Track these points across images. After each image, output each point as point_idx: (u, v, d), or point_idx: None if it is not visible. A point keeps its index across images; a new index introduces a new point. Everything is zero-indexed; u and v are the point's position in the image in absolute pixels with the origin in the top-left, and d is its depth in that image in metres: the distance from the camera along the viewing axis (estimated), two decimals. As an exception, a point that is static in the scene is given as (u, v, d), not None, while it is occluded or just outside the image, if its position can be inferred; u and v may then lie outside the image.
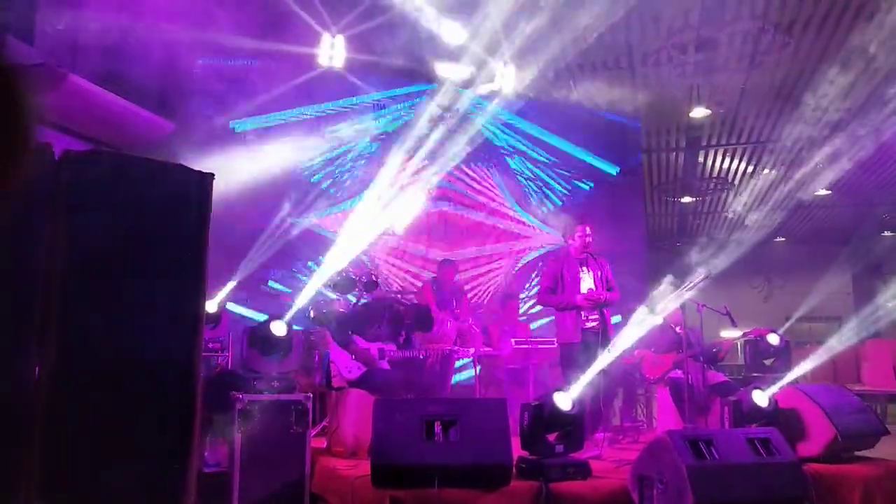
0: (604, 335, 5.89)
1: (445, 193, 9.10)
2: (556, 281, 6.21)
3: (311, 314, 6.50)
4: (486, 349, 6.94)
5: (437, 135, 8.31)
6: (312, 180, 8.31)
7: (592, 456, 4.90)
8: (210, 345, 6.08)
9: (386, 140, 8.65)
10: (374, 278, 6.33)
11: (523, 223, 9.51)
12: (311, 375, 6.54)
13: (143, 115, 6.80)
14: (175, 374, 3.01)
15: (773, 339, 6.76)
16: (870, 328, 11.73)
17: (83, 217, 2.92)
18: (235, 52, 7.75)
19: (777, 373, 6.35)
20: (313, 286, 6.36)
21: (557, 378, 6.17)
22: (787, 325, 9.99)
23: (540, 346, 6.76)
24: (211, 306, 5.85)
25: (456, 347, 6.69)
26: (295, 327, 5.28)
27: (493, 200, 9.42)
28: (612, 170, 10.11)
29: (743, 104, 10.43)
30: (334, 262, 6.54)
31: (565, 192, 9.81)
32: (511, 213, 9.48)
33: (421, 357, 6.24)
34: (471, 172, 9.30)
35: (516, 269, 9.29)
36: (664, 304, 6.19)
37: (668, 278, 6.29)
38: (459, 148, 8.44)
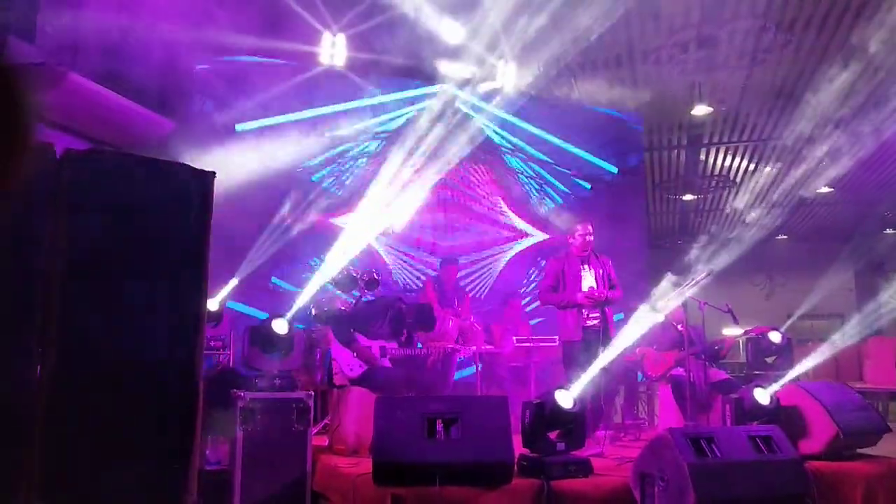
0: (605, 333, 5.90)
1: (446, 191, 9.09)
2: (558, 279, 6.24)
3: (313, 312, 6.50)
4: (488, 347, 6.94)
5: (437, 133, 8.31)
6: (313, 178, 8.31)
7: (594, 454, 4.89)
8: (211, 343, 6.08)
9: (387, 138, 8.65)
10: (376, 276, 6.33)
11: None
12: (312, 373, 6.54)
13: (143, 113, 6.80)
14: (175, 374, 3.01)
15: (775, 336, 6.75)
16: (872, 326, 11.73)
17: (84, 216, 2.93)
18: (236, 50, 7.75)
19: (779, 370, 6.35)
20: (315, 284, 6.37)
21: (559, 376, 6.17)
22: (789, 322, 10.01)
23: (541, 344, 6.76)
24: (212, 304, 5.85)
25: (457, 346, 6.69)
26: (299, 325, 5.29)
27: (490, 198, 9.42)
28: (613, 168, 10.10)
29: (744, 102, 10.42)
30: (336, 260, 6.55)
31: (566, 190, 9.80)
32: (504, 211, 9.48)
33: (422, 355, 6.24)
34: (471, 170, 9.29)
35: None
36: (666, 301, 6.20)
37: (670, 276, 6.29)
38: (460, 146, 8.44)
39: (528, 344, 6.76)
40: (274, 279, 7.89)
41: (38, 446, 2.66)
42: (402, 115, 8.77)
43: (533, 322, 8.05)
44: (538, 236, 9.54)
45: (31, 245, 2.80)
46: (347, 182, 8.51)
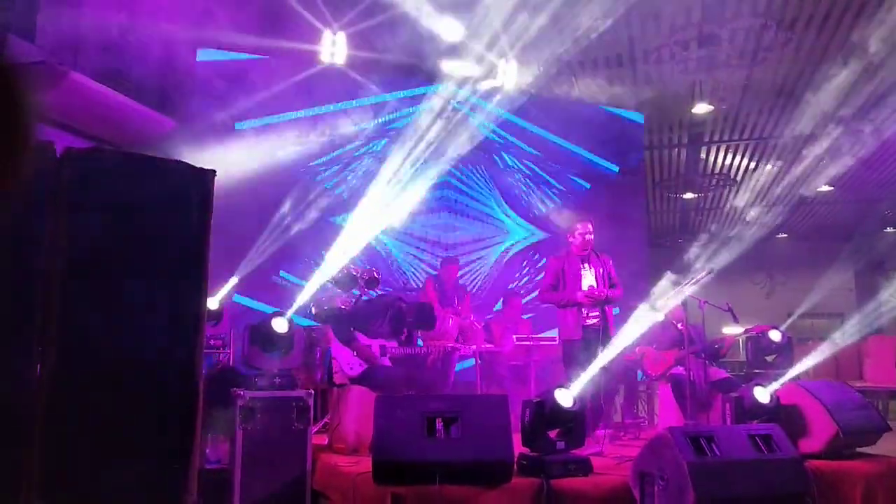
0: (605, 332, 5.90)
1: (445, 190, 9.10)
2: (558, 278, 6.24)
3: (313, 311, 6.50)
4: (488, 346, 6.94)
5: (438, 132, 8.31)
6: (315, 178, 8.30)
7: (594, 452, 4.90)
8: (211, 342, 6.08)
9: (387, 137, 8.65)
10: (376, 275, 6.33)
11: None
12: (312, 372, 6.54)
13: (144, 112, 6.80)
14: (175, 374, 3.02)
15: (775, 335, 6.75)
16: (872, 324, 11.73)
17: (84, 215, 2.93)
18: (236, 49, 7.75)
19: (779, 369, 6.35)
20: (315, 283, 6.37)
21: (559, 375, 6.18)
22: (790, 321, 10.02)
23: (541, 343, 6.76)
24: (212, 303, 5.85)
25: (457, 344, 6.69)
26: (304, 322, 5.28)
27: (487, 197, 9.43)
28: (614, 167, 10.10)
29: (745, 100, 10.42)
30: (337, 258, 6.55)
31: (566, 189, 9.80)
32: (501, 209, 9.49)
33: (422, 354, 6.24)
34: (471, 168, 9.29)
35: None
36: (666, 300, 6.20)
37: (670, 275, 6.29)
38: (460, 145, 8.44)
39: (528, 343, 6.76)
40: (282, 273, 7.90)
41: (38, 446, 2.67)
42: (403, 113, 8.76)
43: (525, 317, 8.06)
44: (537, 235, 9.54)
45: (31, 244, 2.80)
46: (348, 180, 8.51)
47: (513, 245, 9.48)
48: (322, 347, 6.42)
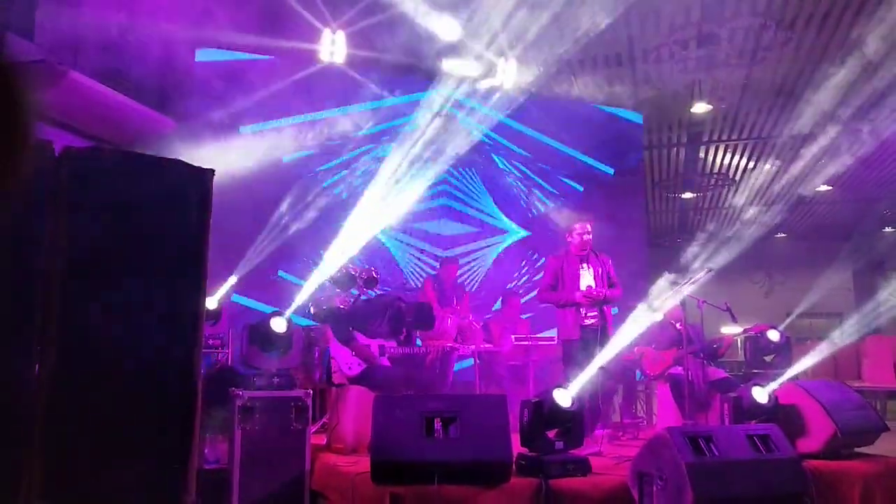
0: (603, 332, 5.90)
1: (445, 189, 9.10)
2: (556, 278, 6.25)
3: (312, 310, 6.50)
4: (487, 346, 6.94)
5: (436, 131, 8.31)
6: (314, 178, 8.30)
7: (592, 452, 4.90)
8: (210, 341, 6.08)
9: (386, 136, 8.64)
10: (374, 275, 6.33)
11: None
12: (311, 372, 6.54)
13: (143, 111, 6.80)
14: (174, 374, 3.01)
15: (774, 335, 6.76)
16: (870, 324, 11.73)
17: (83, 215, 2.92)
18: (236, 48, 7.75)
19: (777, 369, 6.36)
20: (314, 282, 6.37)
21: (557, 375, 6.18)
22: (788, 321, 10.03)
23: (540, 343, 6.76)
24: (211, 303, 5.85)
25: (456, 344, 6.69)
26: (303, 322, 5.28)
27: (484, 196, 9.44)
28: (613, 166, 10.10)
29: (744, 100, 10.42)
30: (335, 257, 6.55)
31: (565, 189, 9.81)
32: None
33: (421, 354, 6.24)
34: (469, 168, 9.30)
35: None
36: (664, 300, 6.20)
37: (669, 274, 6.30)
38: (459, 144, 8.45)
39: (526, 342, 6.77)
40: (281, 272, 7.90)
41: (38, 446, 2.66)
42: (402, 112, 8.76)
43: (524, 316, 8.06)
44: (535, 235, 9.55)
45: (31, 244, 2.80)
46: (346, 180, 8.51)
47: (511, 245, 9.49)
48: (321, 347, 6.42)
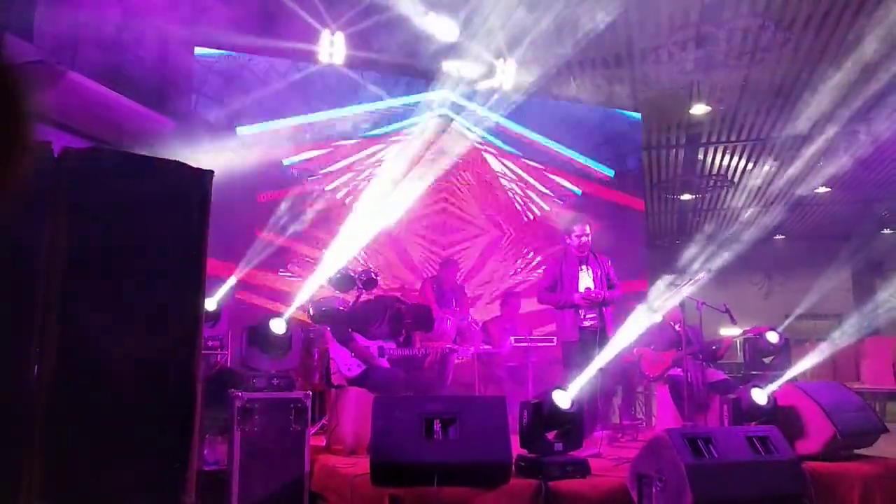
0: (602, 333, 5.91)
1: (444, 189, 9.11)
2: (555, 280, 6.27)
3: (311, 312, 6.50)
4: (486, 347, 6.94)
5: (436, 131, 8.32)
6: (313, 179, 8.30)
7: (592, 454, 4.89)
8: (209, 343, 6.07)
9: (385, 137, 8.64)
10: (374, 276, 6.33)
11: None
12: (310, 373, 6.54)
13: (142, 112, 6.79)
14: (174, 375, 3.01)
15: (773, 336, 6.75)
16: (870, 325, 11.74)
17: (82, 216, 2.92)
18: (235, 48, 7.75)
19: (776, 370, 6.35)
20: (313, 283, 6.37)
21: (557, 376, 6.18)
22: (787, 322, 10.03)
23: (539, 344, 6.76)
24: (210, 304, 5.85)
25: (455, 346, 6.69)
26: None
27: (483, 196, 9.45)
28: (612, 167, 10.10)
29: (743, 101, 10.43)
30: (334, 259, 6.55)
31: (564, 190, 9.81)
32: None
33: (420, 355, 6.24)
34: (469, 168, 9.30)
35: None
36: (663, 301, 6.20)
37: (668, 276, 6.30)
38: (459, 145, 8.45)
39: (525, 344, 6.76)
40: (280, 273, 7.90)
41: (38, 446, 2.66)
42: (401, 113, 8.76)
43: (523, 311, 8.05)
44: (534, 234, 9.55)
45: (31, 244, 2.79)
46: (346, 181, 8.50)
47: (510, 245, 9.49)
48: (320, 348, 6.42)
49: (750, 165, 13.25)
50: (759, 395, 4.95)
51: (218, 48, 7.64)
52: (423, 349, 6.23)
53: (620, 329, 5.94)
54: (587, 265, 6.26)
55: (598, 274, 6.22)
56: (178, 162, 3.28)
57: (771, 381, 5.45)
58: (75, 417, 2.75)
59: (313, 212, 7.96)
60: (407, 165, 7.99)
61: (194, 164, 3.29)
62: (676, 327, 6.47)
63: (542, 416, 4.25)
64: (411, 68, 8.56)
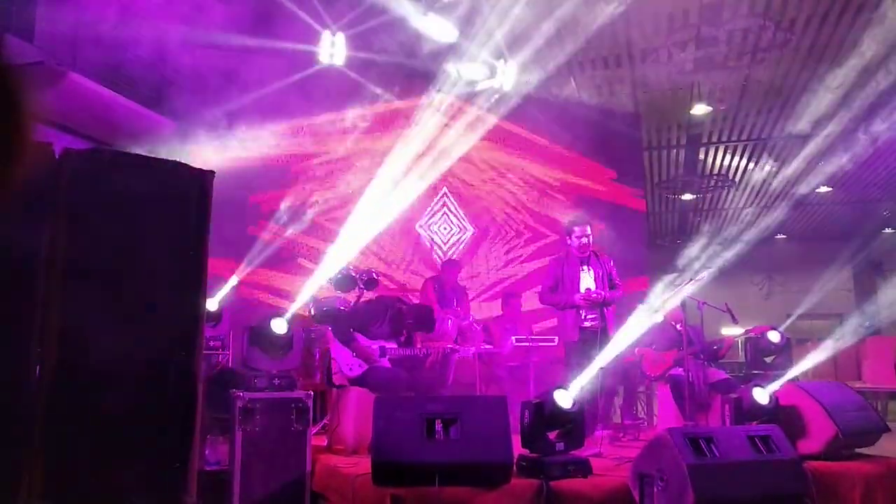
0: (603, 333, 5.91)
1: (444, 190, 9.12)
2: (557, 280, 6.28)
3: (312, 312, 6.50)
4: (487, 347, 6.93)
5: (436, 132, 8.32)
6: (314, 178, 8.31)
7: (593, 454, 4.89)
8: (210, 343, 6.07)
9: (386, 137, 8.64)
10: (375, 276, 6.33)
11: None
12: (311, 373, 6.54)
13: (143, 113, 6.80)
14: (175, 375, 3.01)
15: (774, 336, 6.75)
16: (871, 325, 11.74)
17: (83, 216, 2.92)
18: (235, 49, 7.74)
19: (778, 370, 6.35)
20: (314, 283, 6.37)
21: (558, 376, 6.18)
22: (788, 322, 10.03)
23: (540, 344, 6.76)
24: (211, 304, 5.85)
25: (456, 346, 6.69)
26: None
27: (483, 196, 9.46)
28: (612, 167, 10.09)
29: (743, 101, 10.43)
30: (335, 258, 6.55)
31: (564, 190, 9.81)
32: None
33: (421, 355, 6.24)
34: (468, 169, 9.31)
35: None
36: (665, 301, 6.20)
37: (669, 276, 6.30)
38: (459, 145, 8.46)
39: (526, 344, 6.76)
40: (282, 273, 7.90)
41: (38, 446, 2.66)
42: (401, 114, 8.76)
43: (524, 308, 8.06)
44: (534, 235, 9.55)
45: (31, 245, 2.80)
46: (346, 181, 8.51)
47: (512, 246, 9.49)
48: (321, 348, 6.42)
49: (751, 165, 13.25)
50: (761, 395, 4.94)
51: (217, 48, 7.63)
52: (424, 349, 6.23)
53: (622, 329, 5.95)
54: (588, 265, 6.26)
55: (600, 274, 6.23)
56: (178, 162, 3.28)
57: (772, 381, 5.44)
58: (75, 417, 2.76)
59: (314, 211, 7.97)
60: (407, 165, 7.99)
61: (194, 165, 3.29)
62: (678, 327, 6.47)
63: (544, 415, 4.25)
64: (412, 69, 8.56)
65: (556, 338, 6.42)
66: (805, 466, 4.22)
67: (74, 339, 2.80)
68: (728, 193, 14.91)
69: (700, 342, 6.33)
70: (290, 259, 7.92)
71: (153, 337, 3.01)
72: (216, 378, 5.73)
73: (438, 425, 4.04)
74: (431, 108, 8.35)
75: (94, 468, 2.75)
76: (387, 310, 6.11)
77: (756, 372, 6.74)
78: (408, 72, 8.63)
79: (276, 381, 4.90)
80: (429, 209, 9.00)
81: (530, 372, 6.47)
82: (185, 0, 6.54)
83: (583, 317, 6.12)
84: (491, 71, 8.73)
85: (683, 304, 6.09)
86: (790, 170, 11.85)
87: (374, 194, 7.71)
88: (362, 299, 6.21)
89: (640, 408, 7.72)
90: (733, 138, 11.96)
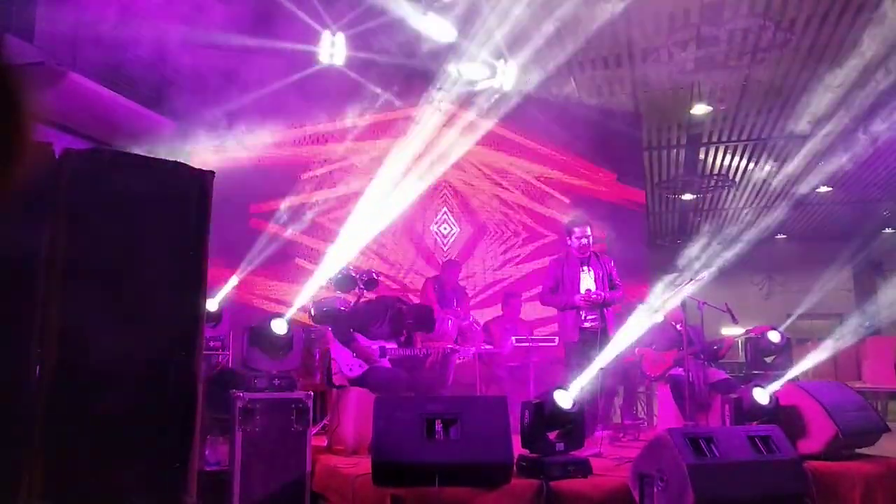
0: (603, 334, 5.91)
1: (445, 190, 9.12)
2: (557, 281, 6.29)
3: (312, 312, 6.50)
4: (487, 347, 6.93)
5: (436, 132, 8.32)
6: (314, 179, 8.31)
7: (593, 454, 4.89)
8: (210, 343, 6.07)
9: (386, 137, 8.64)
10: (374, 276, 6.33)
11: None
12: (311, 374, 6.53)
13: (143, 113, 6.80)
14: (175, 374, 3.01)
15: (774, 336, 6.75)
16: (871, 325, 11.73)
17: (83, 216, 2.92)
18: (235, 49, 7.74)
19: (778, 370, 6.35)
20: (314, 284, 6.37)
21: (558, 376, 6.18)
22: (788, 322, 10.03)
23: (541, 344, 6.76)
24: (211, 304, 5.85)
25: (456, 346, 6.69)
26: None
27: (483, 196, 9.46)
28: (613, 168, 10.09)
29: (744, 101, 10.43)
30: (335, 259, 6.55)
31: (564, 190, 9.81)
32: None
33: (421, 355, 6.24)
34: (468, 169, 9.31)
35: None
36: (665, 301, 6.20)
37: (669, 276, 6.30)
38: (459, 145, 8.46)
39: (527, 344, 6.76)
40: (281, 274, 7.89)
41: (38, 446, 2.66)
42: (401, 114, 8.76)
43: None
44: (534, 235, 9.55)
45: (31, 245, 2.80)
46: (346, 181, 8.51)
47: (510, 246, 9.49)
48: (321, 349, 6.42)
49: (751, 165, 13.25)
50: (761, 395, 4.94)
51: (218, 48, 7.63)
52: (424, 349, 6.22)
53: (622, 329, 5.95)
54: (589, 266, 6.26)
55: (601, 274, 6.23)
56: (178, 162, 3.28)
57: (772, 381, 5.44)
58: (75, 417, 2.75)
59: (314, 211, 7.97)
60: (407, 165, 7.99)
61: (194, 165, 3.29)
62: (678, 327, 6.47)
63: (544, 416, 4.25)
64: (412, 69, 8.56)
65: (557, 338, 6.42)
66: (805, 466, 4.22)
67: (74, 339, 2.80)
68: (728, 193, 14.91)
69: (700, 342, 6.33)
70: (289, 259, 7.91)
71: (153, 337, 3.01)
72: (216, 378, 5.73)
73: (438, 425, 4.04)
74: (431, 108, 8.35)
75: (94, 468, 2.75)
76: (387, 310, 6.11)
77: (756, 372, 6.74)
78: (408, 72, 8.63)
79: (276, 382, 4.90)
80: (428, 209, 9.00)
81: (530, 372, 6.47)
82: (185, 0, 6.53)
83: (583, 317, 6.12)
84: (491, 71, 8.74)
85: (683, 304, 6.09)
86: (790, 170, 11.85)
87: (373, 194, 7.71)
88: (362, 299, 6.21)
89: (640, 408, 7.72)
90: (733, 138, 11.96)
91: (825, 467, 4.49)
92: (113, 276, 2.99)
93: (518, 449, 4.21)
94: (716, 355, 6.60)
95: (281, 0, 7.32)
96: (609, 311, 6.18)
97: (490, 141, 9.29)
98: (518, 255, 9.49)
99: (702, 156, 12.72)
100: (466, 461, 3.93)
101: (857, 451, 4.99)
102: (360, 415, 5.19)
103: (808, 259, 17.14)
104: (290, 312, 5.43)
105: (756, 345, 6.91)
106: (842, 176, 12.49)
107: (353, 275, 6.27)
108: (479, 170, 9.41)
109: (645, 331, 6.09)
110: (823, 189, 13.92)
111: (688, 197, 14.90)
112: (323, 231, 8.13)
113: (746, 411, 4.93)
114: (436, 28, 7.63)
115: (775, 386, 5.24)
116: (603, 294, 6.09)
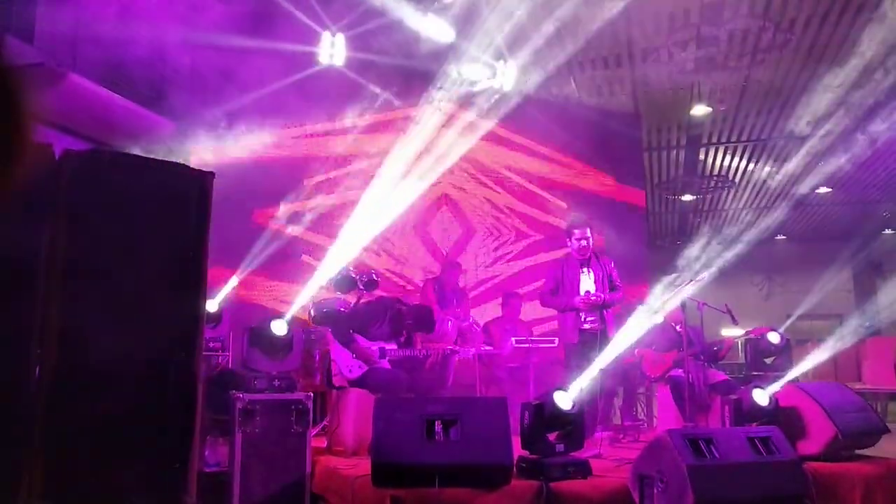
0: (603, 335, 5.91)
1: (445, 190, 9.12)
2: (557, 283, 6.29)
3: (312, 313, 6.50)
4: (487, 348, 6.93)
5: (436, 132, 8.32)
6: (314, 179, 8.31)
7: (593, 455, 4.89)
8: (210, 344, 6.07)
9: (386, 137, 8.64)
10: (374, 277, 6.32)
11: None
12: (311, 375, 6.53)
13: (143, 113, 6.79)
14: (175, 375, 3.01)
15: (774, 337, 6.74)
16: (870, 326, 11.73)
17: (83, 216, 2.92)
18: (235, 49, 7.74)
19: (778, 371, 6.35)
20: (314, 285, 6.36)
21: (558, 377, 6.18)
22: (788, 323, 10.03)
23: (540, 345, 6.76)
24: (211, 305, 5.85)
25: (456, 347, 6.68)
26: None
27: (483, 196, 9.46)
28: (612, 168, 10.09)
29: (743, 102, 10.42)
30: (335, 260, 6.55)
31: (564, 191, 9.80)
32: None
33: (421, 356, 6.24)
34: (469, 169, 9.31)
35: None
36: (665, 302, 6.20)
37: (669, 276, 6.30)
38: (459, 145, 8.46)
39: (526, 345, 6.76)
40: (281, 274, 7.89)
41: (38, 446, 2.66)
42: (401, 114, 8.76)
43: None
44: (534, 235, 9.54)
45: (31, 245, 2.79)
46: (346, 181, 8.51)
47: (510, 246, 9.49)
48: (321, 350, 6.42)
49: (751, 166, 13.24)
50: (761, 396, 4.94)
51: (217, 48, 7.63)
52: (424, 350, 6.22)
53: (621, 330, 5.95)
54: (589, 267, 6.27)
55: (601, 276, 6.23)
56: (179, 163, 3.29)
57: (772, 382, 5.43)
58: (75, 417, 2.75)
59: (314, 212, 7.97)
60: (407, 165, 7.99)
61: (193, 165, 3.29)
62: (678, 328, 6.47)
63: (544, 417, 4.25)
64: (412, 70, 8.56)
65: (556, 339, 6.43)
66: (805, 467, 4.22)
67: (74, 339, 2.80)
68: (728, 194, 14.90)
69: (700, 343, 6.33)
70: (289, 259, 7.91)
71: (153, 337, 3.01)
72: (216, 379, 5.73)
73: (438, 426, 4.04)
74: (431, 108, 8.35)
75: (94, 468, 2.75)
76: (386, 311, 6.11)
77: (756, 373, 6.74)
78: (407, 72, 8.63)
79: (276, 383, 4.90)
80: (429, 209, 9.00)
81: (530, 373, 6.47)
82: (185, 0, 6.53)
83: (582, 319, 6.13)
84: (491, 71, 8.74)
85: (683, 305, 6.09)
86: (790, 170, 11.84)
87: (374, 194, 7.71)
88: (362, 300, 6.21)
89: (639, 409, 7.71)
90: (733, 139, 11.96)
91: (825, 468, 4.49)
92: (113, 277, 2.99)
93: (518, 450, 4.21)
94: (716, 356, 6.60)
95: (280, 1, 7.32)
96: (609, 312, 6.18)
97: (488, 141, 9.29)
98: (510, 252, 9.48)
99: (701, 156, 12.72)
100: (466, 462, 3.93)
101: (857, 452, 4.99)
102: (359, 416, 5.19)
103: (807, 260, 17.14)
104: (291, 312, 5.42)
105: (756, 346, 6.91)
106: (841, 177, 12.48)
107: (353, 276, 6.26)
108: (478, 169, 9.41)
109: (645, 332, 6.09)
110: (823, 190, 13.92)
111: (687, 198, 14.90)
112: (322, 231, 8.13)
113: (746, 412, 4.93)
114: (435, 29, 7.63)
115: (775, 387, 5.24)
116: (602, 296, 6.09)
